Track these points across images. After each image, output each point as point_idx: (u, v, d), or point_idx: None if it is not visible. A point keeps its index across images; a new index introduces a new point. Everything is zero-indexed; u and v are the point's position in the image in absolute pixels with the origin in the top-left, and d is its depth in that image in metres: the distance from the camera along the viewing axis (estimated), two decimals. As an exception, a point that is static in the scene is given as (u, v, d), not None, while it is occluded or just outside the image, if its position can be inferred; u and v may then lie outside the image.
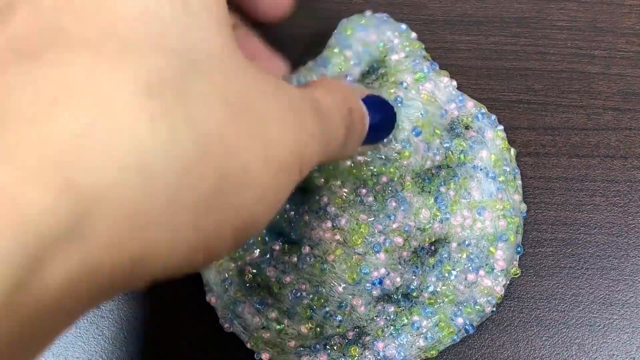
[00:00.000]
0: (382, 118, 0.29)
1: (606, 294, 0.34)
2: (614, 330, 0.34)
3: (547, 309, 0.34)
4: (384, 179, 0.32)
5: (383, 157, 0.32)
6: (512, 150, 0.34)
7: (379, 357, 0.32)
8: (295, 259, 0.32)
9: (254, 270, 0.33)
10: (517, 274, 0.34)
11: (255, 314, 0.32)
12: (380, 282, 0.32)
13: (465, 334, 0.33)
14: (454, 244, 0.33)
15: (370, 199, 0.32)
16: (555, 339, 0.34)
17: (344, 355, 0.32)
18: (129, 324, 0.34)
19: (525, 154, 0.36)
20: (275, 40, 0.38)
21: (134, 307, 0.34)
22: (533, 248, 0.35)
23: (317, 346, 0.32)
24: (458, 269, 0.33)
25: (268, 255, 0.33)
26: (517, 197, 0.34)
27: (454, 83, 0.34)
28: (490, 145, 0.34)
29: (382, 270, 0.32)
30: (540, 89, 0.37)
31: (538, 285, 0.34)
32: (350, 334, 0.33)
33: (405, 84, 0.33)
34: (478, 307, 0.32)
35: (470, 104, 0.34)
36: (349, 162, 0.32)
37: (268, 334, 0.32)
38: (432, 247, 0.33)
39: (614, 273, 0.34)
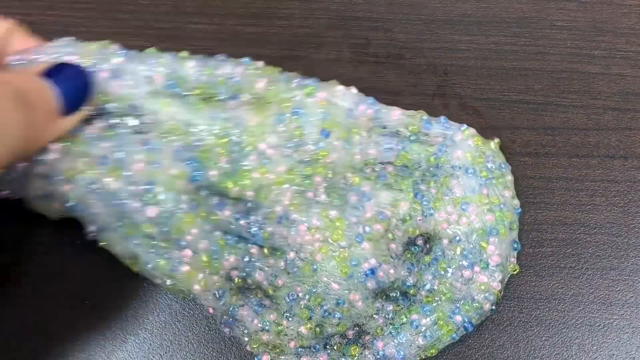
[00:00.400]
0: (74, 84, 0.30)
1: (606, 294, 0.34)
2: (614, 330, 0.34)
3: (547, 309, 0.34)
4: (318, 178, 0.33)
5: (305, 159, 0.33)
6: (492, 144, 0.35)
7: (378, 357, 0.32)
8: (283, 264, 0.33)
9: (242, 273, 0.33)
10: (515, 270, 0.34)
11: (254, 317, 0.32)
12: (373, 273, 0.32)
13: (465, 332, 0.33)
14: (445, 241, 0.33)
15: (324, 196, 0.33)
16: (555, 339, 0.34)
17: (343, 355, 0.32)
18: (130, 325, 0.34)
19: (525, 154, 0.36)
20: (271, 37, 0.39)
21: (134, 308, 0.34)
22: (533, 248, 0.35)
23: (317, 346, 0.32)
24: (453, 266, 0.33)
25: (247, 259, 0.33)
26: (508, 193, 0.34)
27: (354, 90, 0.34)
28: (463, 145, 0.34)
29: (373, 261, 0.32)
30: (540, 89, 0.37)
31: (538, 285, 0.34)
32: (350, 333, 0.33)
33: (297, 98, 0.33)
34: (476, 304, 0.32)
35: (397, 112, 0.34)
36: (272, 176, 0.32)
37: (267, 336, 0.32)
38: (427, 245, 0.34)
39: (614, 273, 0.34)
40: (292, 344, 0.32)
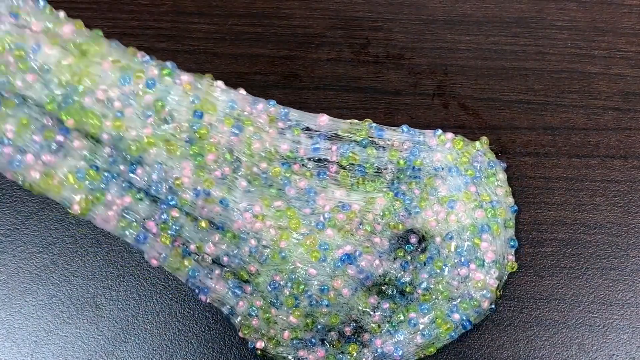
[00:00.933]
0: None
1: (606, 294, 0.34)
2: (614, 330, 0.34)
3: (547, 309, 0.34)
4: (211, 156, 0.33)
5: (184, 137, 0.33)
6: (478, 143, 0.35)
7: (376, 355, 0.32)
8: (247, 249, 0.33)
9: (170, 232, 0.33)
10: (514, 267, 0.34)
11: (236, 298, 0.33)
12: (349, 257, 0.33)
13: (463, 330, 0.33)
14: (438, 238, 0.33)
15: (245, 183, 0.33)
16: (555, 339, 0.34)
17: (342, 352, 0.32)
18: (130, 325, 0.34)
19: (525, 154, 0.36)
20: (268, 36, 0.39)
21: (133, 307, 0.34)
22: (533, 248, 0.35)
23: (314, 340, 0.33)
24: (449, 265, 0.33)
25: (165, 216, 0.33)
26: (501, 191, 0.34)
27: (242, 91, 0.34)
28: (440, 149, 0.34)
29: (348, 247, 0.33)
30: (540, 89, 0.37)
31: (538, 285, 0.34)
32: (348, 330, 0.33)
33: (152, 73, 0.33)
34: (474, 302, 0.33)
35: (324, 118, 0.34)
36: (133, 133, 0.32)
37: (257, 322, 0.32)
38: (422, 245, 0.34)
39: (614, 273, 0.34)
40: (285, 334, 0.32)
